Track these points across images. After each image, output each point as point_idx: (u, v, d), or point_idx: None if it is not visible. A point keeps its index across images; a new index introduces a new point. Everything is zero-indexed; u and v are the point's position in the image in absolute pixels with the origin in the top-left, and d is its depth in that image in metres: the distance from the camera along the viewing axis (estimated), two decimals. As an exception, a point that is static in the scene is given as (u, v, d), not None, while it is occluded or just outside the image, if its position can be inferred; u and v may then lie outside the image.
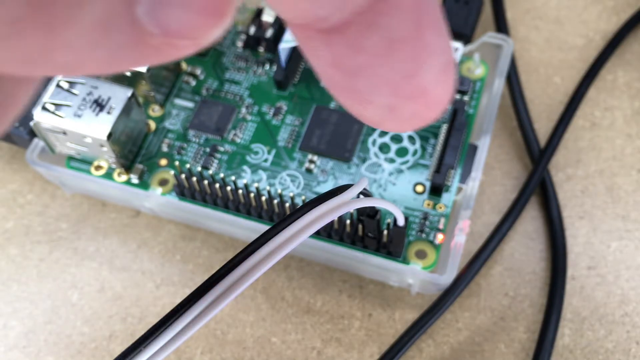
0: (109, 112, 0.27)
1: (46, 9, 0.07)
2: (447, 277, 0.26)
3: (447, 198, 0.28)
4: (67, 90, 0.27)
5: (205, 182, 0.27)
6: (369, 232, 0.26)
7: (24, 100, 0.10)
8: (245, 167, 0.29)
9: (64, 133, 0.27)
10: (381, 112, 0.12)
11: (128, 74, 0.29)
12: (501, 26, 0.35)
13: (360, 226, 0.26)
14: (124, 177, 0.29)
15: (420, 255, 0.27)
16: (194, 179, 0.27)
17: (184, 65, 0.32)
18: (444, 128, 0.29)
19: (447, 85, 0.12)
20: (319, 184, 0.29)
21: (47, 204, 0.32)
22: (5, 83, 0.10)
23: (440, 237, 0.27)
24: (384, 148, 0.29)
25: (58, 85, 0.27)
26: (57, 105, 0.27)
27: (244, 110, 0.31)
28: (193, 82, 0.32)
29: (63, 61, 0.08)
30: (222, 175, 0.27)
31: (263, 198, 0.27)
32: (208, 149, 0.30)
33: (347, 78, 0.11)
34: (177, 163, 0.28)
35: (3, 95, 0.10)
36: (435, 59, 0.11)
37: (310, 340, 0.28)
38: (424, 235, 0.27)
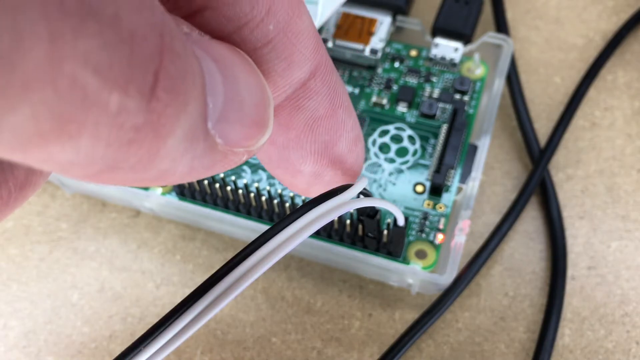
0: None
1: (158, 118, 0.09)
2: (447, 277, 0.26)
3: (447, 198, 0.28)
4: None
5: (205, 182, 0.27)
6: (369, 232, 0.26)
7: (49, 173, 0.12)
8: (245, 167, 0.29)
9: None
10: (308, 179, 0.15)
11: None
12: (501, 26, 0.35)
13: (360, 226, 0.26)
14: (124, 177, 0.29)
15: (420, 255, 0.27)
16: (194, 179, 0.27)
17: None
18: (444, 128, 0.29)
19: (359, 153, 0.15)
20: (319, 184, 0.29)
21: (47, 204, 0.32)
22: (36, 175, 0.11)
23: (440, 237, 0.27)
24: (384, 148, 0.29)
25: None
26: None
27: (244, 110, 0.31)
28: (193, 82, 0.32)
29: (160, 169, 0.10)
30: (222, 175, 0.27)
31: (263, 198, 0.27)
32: (208, 149, 0.30)
33: (280, 152, 0.14)
34: (177, 163, 0.28)
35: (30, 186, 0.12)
36: (348, 132, 0.14)
37: (310, 340, 0.28)
38: (424, 235, 0.27)
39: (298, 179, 0.15)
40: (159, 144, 0.09)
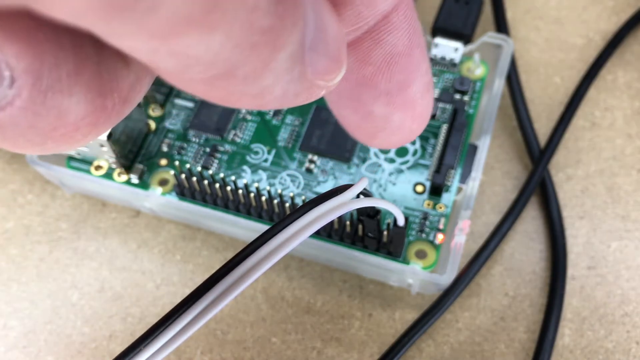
0: None
1: (280, 24, 0.09)
2: (447, 277, 0.26)
3: (447, 198, 0.28)
4: None
5: (205, 182, 0.27)
6: (369, 232, 0.26)
7: (145, 91, 0.12)
8: (245, 167, 0.29)
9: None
10: (377, 122, 0.14)
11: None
12: (501, 26, 0.35)
13: (360, 226, 0.26)
14: (124, 177, 0.29)
15: (420, 255, 0.27)
16: (194, 179, 0.27)
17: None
18: (444, 128, 0.29)
19: (430, 101, 0.15)
20: (319, 184, 0.29)
21: (47, 204, 0.32)
22: (143, 71, 0.11)
23: (440, 237, 0.27)
24: (384, 148, 0.29)
25: None
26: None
27: (244, 110, 0.31)
28: (193, 82, 0.32)
29: (263, 85, 0.10)
30: (222, 175, 0.27)
31: (263, 198, 0.27)
32: (208, 149, 0.30)
33: (353, 89, 0.14)
34: (177, 163, 0.28)
35: (137, 85, 0.11)
36: (422, 75, 0.14)
37: (310, 340, 0.28)
38: (424, 235, 0.27)
39: (367, 122, 0.14)
40: (273, 55, 0.09)
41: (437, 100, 0.31)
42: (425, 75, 0.14)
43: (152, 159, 0.30)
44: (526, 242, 0.30)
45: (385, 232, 0.25)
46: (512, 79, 0.33)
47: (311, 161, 0.29)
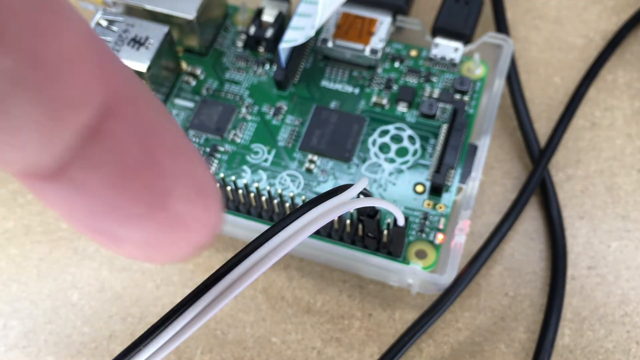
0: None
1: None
2: (447, 277, 0.26)
3: (447, 198, 0.28)
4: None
5: (205, 182, 0.27)
6: (369, 232, 0.26)
7: None
8: (245, 167, 0.29)
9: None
10: (139, 247, 0.11)
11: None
12: (501, 26, 0.35)
13: (360, 226, 0.26)
14: (124, 177, 0.29)
15: (420, 255, 0.27)
16: (194, 179, 0.27)
17: (184, 65, 0.32)
18: (444, 128, 0.29)
19: (208, 207, 0.11)
20: (319, 184, 0.29)
21: (47, 204, 0.32)
22: None
23: (440, 237, 0.27)
24: (384, 148, 0.29)
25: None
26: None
27: (244, 110, 0.31)
28: (193, 82, 0.32)
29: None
30: (222, 175, 0.27)
31: (263, 198, 0.27)
32: (208, 149, 0.30)
33: (91, 218, 0.10)
34: (177, 163, 0.28)
35: None
36: (182, 185, 0.11)
37: (310, 340, 0.28)
38: (424, 235, 0.27)
39: (126, 249, 0.11)
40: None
41: (437, 100, 0.31)
42: (189, 178, 0.11)
43: (152, 159, 0.30)
44: (526, 242, 0.30)
45: (385, 232, 0.25)
46: (512, 79, 0.33)
47: (311, 161, 0.29)
